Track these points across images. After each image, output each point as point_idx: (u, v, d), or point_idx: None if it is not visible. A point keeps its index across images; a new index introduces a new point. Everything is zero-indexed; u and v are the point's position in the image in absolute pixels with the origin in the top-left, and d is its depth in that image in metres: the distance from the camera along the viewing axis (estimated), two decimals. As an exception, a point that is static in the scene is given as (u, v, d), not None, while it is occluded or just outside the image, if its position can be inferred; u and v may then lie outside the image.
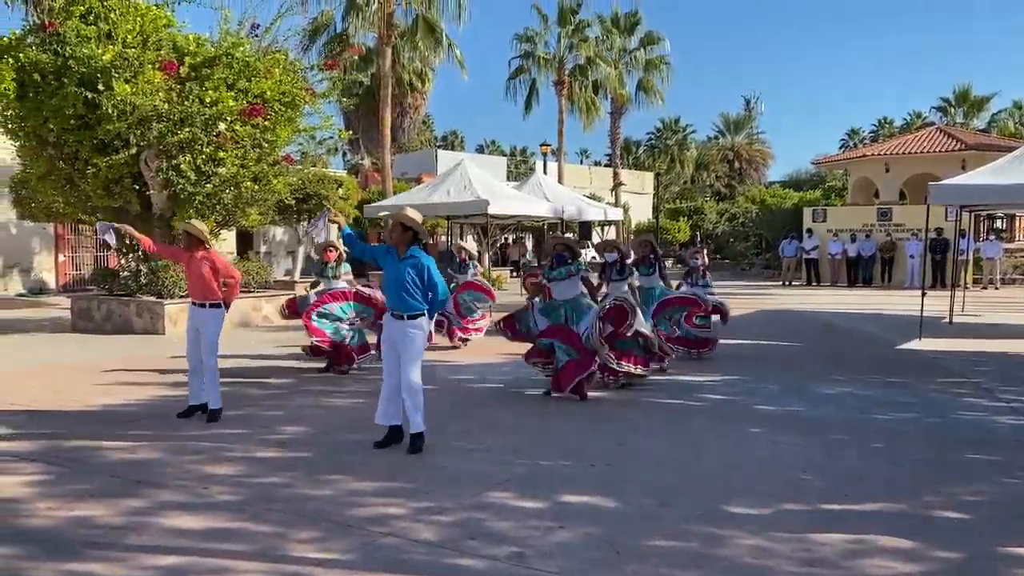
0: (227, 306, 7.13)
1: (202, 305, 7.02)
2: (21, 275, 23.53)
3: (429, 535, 4.32)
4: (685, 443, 6.33)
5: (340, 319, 9.40)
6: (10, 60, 12.36)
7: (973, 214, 21.28)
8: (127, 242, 7.05)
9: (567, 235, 18.14)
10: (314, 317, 9.31)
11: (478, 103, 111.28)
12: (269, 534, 4.33)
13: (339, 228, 6.40)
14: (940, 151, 28.42)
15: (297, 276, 22.86)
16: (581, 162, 57.58)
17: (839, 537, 4.32)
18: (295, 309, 9.95)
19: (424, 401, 6.05)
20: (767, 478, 5.39)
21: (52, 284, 23.78)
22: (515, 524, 4.48)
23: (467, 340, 11.85)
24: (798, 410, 7.51)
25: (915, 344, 12.05)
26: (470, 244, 13.07)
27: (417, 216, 6.15)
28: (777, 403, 7.83)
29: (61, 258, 24.19)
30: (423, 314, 6.04)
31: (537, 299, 8.34)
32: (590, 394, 7.99)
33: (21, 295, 22.85)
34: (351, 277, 9.88)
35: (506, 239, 32.65)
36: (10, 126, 13.30)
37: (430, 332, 10.18)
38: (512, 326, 8.52)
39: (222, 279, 7.06)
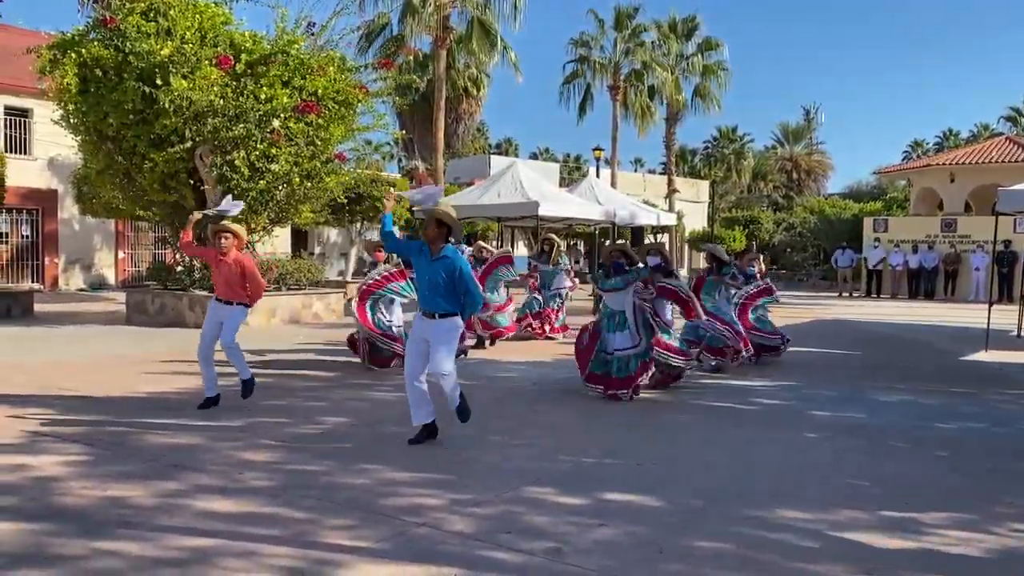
0: (249, 307, 7.15)
1: (228, 303, 7.01)
2: (82, 271, 24.14)
3: (463, 527, 4.17)
4: (736, 446, 6.07)
5: (390, 312, 9.22)
6: (73, 55, 12.65)
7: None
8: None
9: (619, 241, 17.90)
10: (368, 309, 9.13)
11: (533, 112, 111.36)
12: (301, 520, 4.22)
13: (381, 214, 6.20)
14: (1009, 161, 27.42)
15: (349, 277, 23.01)
16: (635, 171, 57.05)
17: (899, 545, 4.05)
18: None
19: (456, 384, 5.91)
20: (822, 483, 5.11)
21: (112, 280, 24.33)
22: (554, 519, 4.30)
23: (486, 341, 11.52)
24: (856, 416, 7.18)
25: (981, 355, 11.54)
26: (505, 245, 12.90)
27: (453, 212, 5.98)
28: (833, 409, 7.51)
29: (121, 255, 24.75)
30: (456, 314, 5.82)
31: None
32: (641, 395, 7.76)
33: (82, 290, 23.44)
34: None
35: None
36: (72, 120, 13.58)
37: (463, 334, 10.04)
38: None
39: (247, 284, 7.05)
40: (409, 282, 9.09)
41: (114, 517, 4.22)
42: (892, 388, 8.67)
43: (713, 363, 9.43)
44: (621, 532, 4.14)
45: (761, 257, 11.29)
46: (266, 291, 14.81)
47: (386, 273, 9.20)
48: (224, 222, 7.21)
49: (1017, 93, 72.81)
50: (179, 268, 15.11)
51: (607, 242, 30.41)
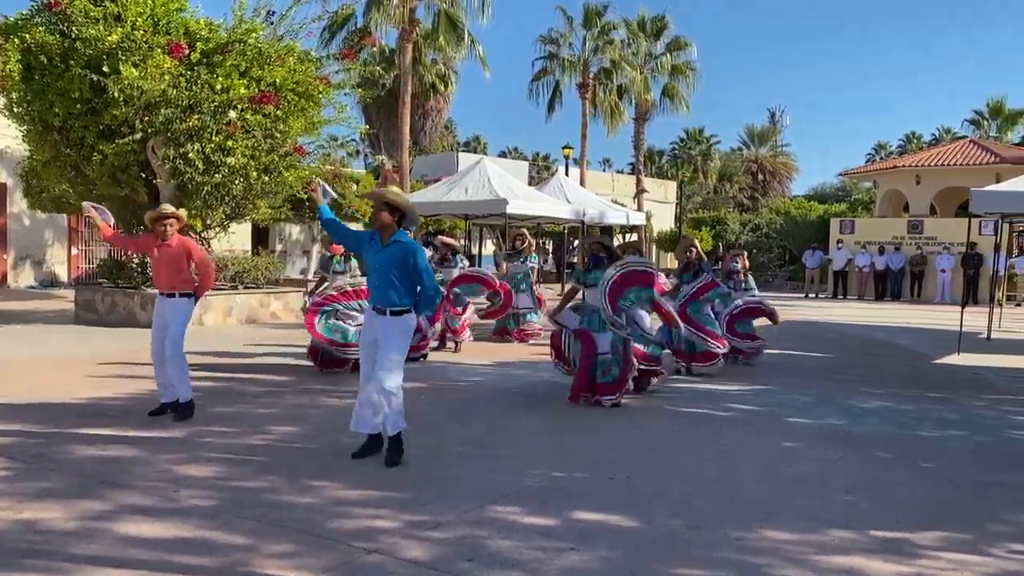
0: (197, 298, 6.59)
1: (171, 295, 6.45)
2: (33, 267, 23.25)
3: (419, 553, 3.76)
4: (713, 457, 5.73)
5: (349, 319, 8.70)
6: (16, 41, 11.99)
7: (1010, 225, 20.47)
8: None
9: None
10: (318, 321, 8.63)
11: (501, 111, 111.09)
12: (238, 546, 3.79)
13: (315, 204, 5.60)
14: (974, 163, 27.62)
15: (311, 275, 22.44)
16: (604, 170, 56.88)
17: (895, 571, 3.72)
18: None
19: (403, 405, 5.28)
20: (806, 498, 4.78)
21: (64, 277, 23.48)
22: (520, 544, 3.91)
23: (457, 342, 10.95)
24: (835, 423, 6.88)
25: (954, 359, 11.36)
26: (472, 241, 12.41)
27: (404, 195, 5.50)
28: (811, 415, 7.21)
29: (74, 251, 23.90)
30: (409, 311, 5.26)
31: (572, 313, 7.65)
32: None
33: (32, 288, 22.58)
34: (359, 274, 9.09)
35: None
36: (15, 110, 12.93)
37: (426, 336, 9.55)
38: (561, 354, 7.67)
39: (193, 268, 6.54)
40: (360, 301, 8.59)
41: (24, 544, 3.75)
42: (869, 393, 8.40)
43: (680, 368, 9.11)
44: (594, 558, 3.76)
45: (745, 253, 10.96)
46: (221, 290, 14.42)
47: (348, 290, 8.73)
48: (164, 206, 6.70)
49: (980, 97, 74.01)
50: (133, 263, 14.49)
51: (576, 241, 30.12)
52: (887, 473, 5.38)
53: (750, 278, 10.59)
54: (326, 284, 9.28)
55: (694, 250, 9.34)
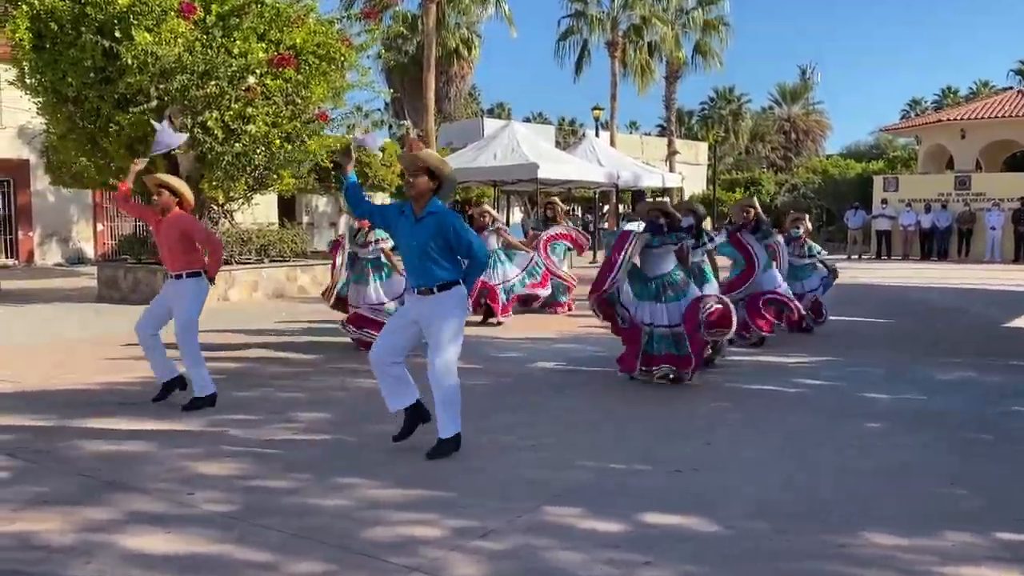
0: (212, 280, 5.93)
1: (178, 276, 5.78)
2: (59, 245, 23.02)
3: (471, 571, 3.20)
4: (789, 442, 5.10)
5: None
6: (24, 7, 11.48)
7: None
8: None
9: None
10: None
11: (526, 77, 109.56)
12: (257, 564, 3.25)
13: (342, 172, 4.87)
14: (1021, 115, 26.36)
15: (339, 246, 21.92)
16: (631, 133, 55.62)
17: (1039, 587, 3.10)
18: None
19: (460, 397, 4.71)
20: (907, 493, 4.15)
21: (90, 254, 23.22)
22: (586, 556, 3.33)
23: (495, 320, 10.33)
24: (916, 399, 6.22)
25: (1024, 322, 10.61)
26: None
27: (443, 159, 4.84)
28: (887, 391, 6.54)
29: (100, 227, 23.61)
30: (458, 283, 4.61)
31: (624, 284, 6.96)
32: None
33: (59, 265, 22.35)
34: (388, 245, 8.41)
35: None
36: (28, 80, 12.44)
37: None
38: (601, 293, 7.08)
39: (199, 246, 5.89)
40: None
41: (11, 564, 3.24)
42: (944, 363, 7.71)
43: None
44: (674, 574, 3.18)
45: (807, 217, 10.18)
46: (248, 263, 13.95)
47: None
48: (161, 175, 6.09)
49: (1018, 48, 71.21)
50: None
51: (606, 207, 29.31)
52: (992, 460, 4.73)
53: (812, 244, 9.76)
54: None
55: (752, 210, 8.55)
